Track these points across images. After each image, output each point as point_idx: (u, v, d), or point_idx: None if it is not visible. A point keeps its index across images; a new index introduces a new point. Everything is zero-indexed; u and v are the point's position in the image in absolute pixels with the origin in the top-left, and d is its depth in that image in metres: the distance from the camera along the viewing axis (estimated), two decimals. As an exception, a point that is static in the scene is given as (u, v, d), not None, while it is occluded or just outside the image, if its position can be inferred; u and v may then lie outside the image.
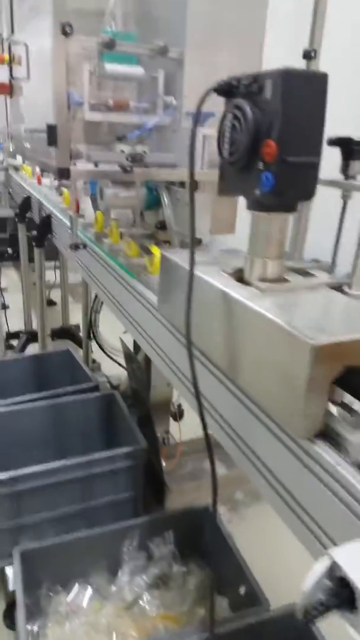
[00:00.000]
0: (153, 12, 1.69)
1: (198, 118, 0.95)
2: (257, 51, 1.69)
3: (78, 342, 4.37)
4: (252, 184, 0.91)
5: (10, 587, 1.85)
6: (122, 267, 1.59)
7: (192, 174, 0.95)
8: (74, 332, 4.42)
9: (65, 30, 1.24)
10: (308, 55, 1.56)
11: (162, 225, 1.79)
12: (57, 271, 4.57)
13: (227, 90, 0.94)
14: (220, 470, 2.40)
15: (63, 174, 1.35)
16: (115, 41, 1.50)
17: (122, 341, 2.26)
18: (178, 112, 1.68)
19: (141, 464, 1.98)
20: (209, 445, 1.01)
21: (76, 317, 4.52)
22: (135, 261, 1.70)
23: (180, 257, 1.15)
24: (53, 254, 3.92)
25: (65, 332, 4.38)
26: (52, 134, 1.31)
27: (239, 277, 1.03)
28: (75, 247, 1.81)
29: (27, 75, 1.81)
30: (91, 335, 2.85)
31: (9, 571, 1.90)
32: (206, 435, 1.01)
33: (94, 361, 3.74)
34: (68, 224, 2.15)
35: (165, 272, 1.20)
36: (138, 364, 2.14)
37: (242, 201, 1.79)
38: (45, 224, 2.85)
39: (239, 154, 0.91)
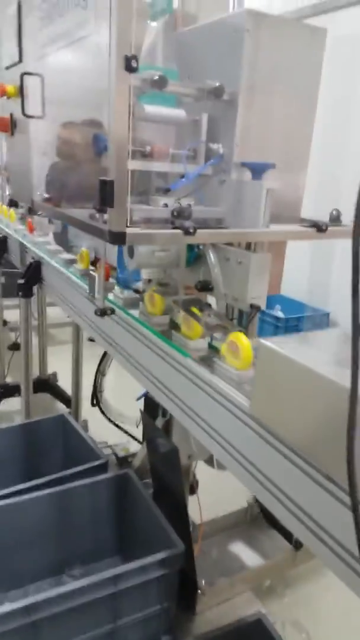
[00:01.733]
0: (198, 48, 1.47)
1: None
2: (312, 99, 1.51)
3: (57, 394, 3.99)
4: None
5: None
6: (181, 352, 1.31)
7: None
8: (52, 384, 4.03)
9: (131, 65, 0.99)
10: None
11: (202, 286, 1.53)
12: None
13: None
14: (256, 560, 2.12)
15: (118, 238, 1.08)
16: (168, 80, 1.26)
17: (142, 412, 1.95)
18: (225, 162, 1.45)
19: (177, 570, 1.66)
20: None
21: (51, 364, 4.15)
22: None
23: (295, 352, 0.89)
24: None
25: (43, 384, 3.97)
26: (107, 192, 1.04)
27: None
28: (103, 313, 1.52)
29: (41, 111, 1.53)
30: (95, 401, 2.51)
31: None
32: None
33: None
34: (81, 284, 1.86)
35: (270, 369, 0.93)
36: (163, 437, 1.84)
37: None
38: (35, 272, 2.54)
39: None
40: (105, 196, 1.05)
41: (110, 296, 1.67)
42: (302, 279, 4.06)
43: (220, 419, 1.14)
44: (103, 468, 2.12)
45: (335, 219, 1.53)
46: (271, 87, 1.42)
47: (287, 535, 2.13)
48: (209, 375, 1.18)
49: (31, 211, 2.89)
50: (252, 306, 1.42)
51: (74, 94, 1.40)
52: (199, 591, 1.86)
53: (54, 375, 4.19)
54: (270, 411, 0.95)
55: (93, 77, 1.18)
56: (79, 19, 1.19)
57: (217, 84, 1.35)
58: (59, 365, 4.18)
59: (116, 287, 1.67)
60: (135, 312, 1.55)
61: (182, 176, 1.54)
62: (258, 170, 1.38)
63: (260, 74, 1.39)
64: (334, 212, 1.54)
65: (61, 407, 3.97)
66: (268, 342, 0.93)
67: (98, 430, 2.93)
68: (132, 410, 2.69)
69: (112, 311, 1.54)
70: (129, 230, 1.08)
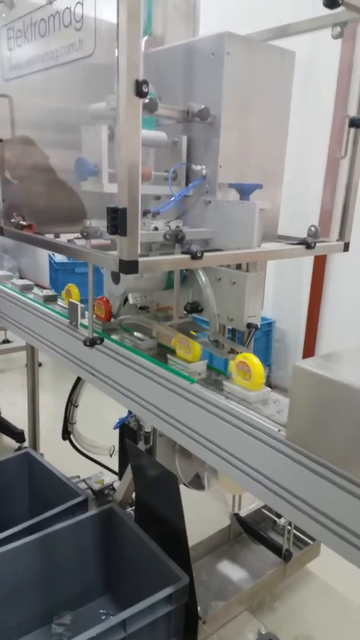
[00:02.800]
0: (170, 69, 1.46)
1: None
2: (284, 118, 1.55)
3: (6, 429, 3.74)
4: None
5: None
6: (186, 378, 1.26)
7: None
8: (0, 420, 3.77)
9: (142, 90, 0.95)
10: (357, 123, 1.45)
11: (192, 308, 1.51)
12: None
13: None
14: (248, 579, 2.10)
15: (130, 267, 1.02)
16: (157, 102, 1.24)
17: (127, 441, 1.87)
18: (210, 183, 1.45)
19: (184, 604, 1.60)
20: None
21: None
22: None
23: (335, 373, 0.89)
24: None
25: (-13, 420, 3.70)
26: (118, 220, 0.98)
27: None
28: (93, 343, 1.45)
29: (11, 134, 1.43)
30: (67, 434, 2.37)
31: None
32: None
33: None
34: (61, 318, 1.76)
35: (310, 393, 0.93)
36: (155, 464, 1.78)
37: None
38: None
39: None
40: (116, 224, 0.99)
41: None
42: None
43: (246, 448, 1.11)
44: (83, 505, 2.00)
45: (314, 235, 1.57)
46: (248, 108, 1.44)
47: (275, 549, 2.13)
48: (237, 407, 1.15)
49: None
50: (249, 325, 1.42)
51: (59, 117, 1.32)
52: (201, 620, 1.80)
53: (-6, 408, 3.94)
54: (310, 435, 0.94)
55: (87, 98, 1.13)
56: (71, 40, 1.13)
57: (202, 107, 1.34)
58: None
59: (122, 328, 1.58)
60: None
61: (158, 197, 1.53)
62: (246, 191, 1.39)
63: (239, 95, 1.41)
64: (312, 229, 1.58)
65: (9, 443, 3.74)
66: (305, 365, 0.93)
67: (58, 463, 2.78)
68: (100, 440, 2.58)
69: (101, 340, 1.47)
70: (141, 259, 1.03)
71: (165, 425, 1.37)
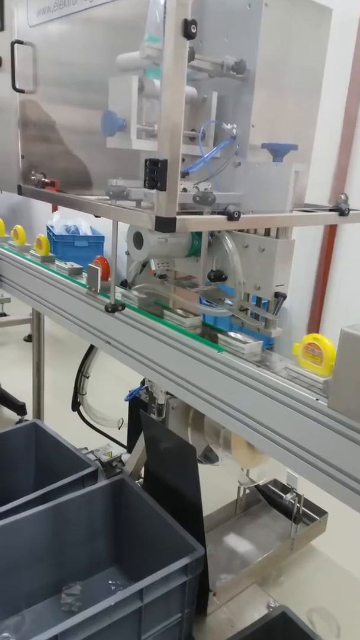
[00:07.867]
0: (203, 21, 1.37)
1: None
2: (318, 82, 1.47)
3: (7, 402, 3.70)
4: None
5: None
6: (214, 347, 1.21)
7: None
8: (1, 392, 3.73)
9: (190, 31, 0.88)
10: None
11: (216, 276, 1.46)
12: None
13: None
14: (256, 553, 2.10)
15: (167, 225, 0.97)
16: (195, 52, 1.16)
17: (141, 412, 1.83)
18: (240, 143, 1.38)
19: (198, 575, 1.58)
20: None
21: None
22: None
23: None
24: None
25: (-10, 393, 3.66)
26: (157, 173, 0.92)
27: None
28: (114, 309, 1.40)
29: (33, 86, 1.35)
30: (75, 405, 2.32)
31: None
32: None
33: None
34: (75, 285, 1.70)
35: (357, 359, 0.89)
36: (171, 435, 1.74)
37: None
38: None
39: None
40: (156, 178, 0.93)
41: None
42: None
43: (281, 419, 1.07)
44: (93, 476, 1.98)
45: (345, 202, 1.51)
46: (283, 67, 1.37)
47: (287, 512, 2.21)
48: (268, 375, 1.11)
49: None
50: (277, 294, 1.37)
51: (85, 72, 1.24)
52: (211, 592, 1.79)
53: (-4, 382, 3.90)
54: (357, 403, 0.90)
55: (115, 51, 1.05)
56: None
57: (239, 60, 1.27)
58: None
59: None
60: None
61: (182, 160, 1.46)
62: (281, 153, 1.32)
63: (274, 51, 1.33)
64: (342, 197, 1.52)
65: (9, 416, 3.71)
66: (353, 330, 0.88)
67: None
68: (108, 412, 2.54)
69: (123, 307, 1.41)
70: (179, 217, 0.98)
71: (189, 395, 1.33)
